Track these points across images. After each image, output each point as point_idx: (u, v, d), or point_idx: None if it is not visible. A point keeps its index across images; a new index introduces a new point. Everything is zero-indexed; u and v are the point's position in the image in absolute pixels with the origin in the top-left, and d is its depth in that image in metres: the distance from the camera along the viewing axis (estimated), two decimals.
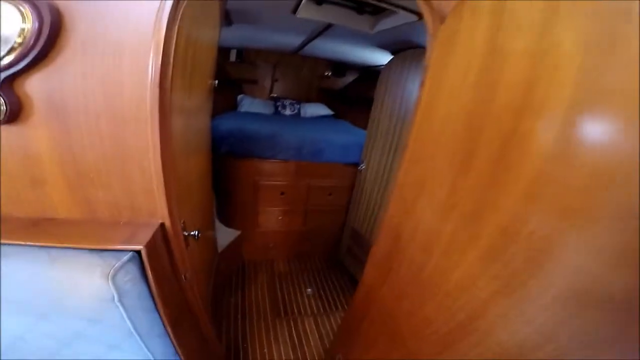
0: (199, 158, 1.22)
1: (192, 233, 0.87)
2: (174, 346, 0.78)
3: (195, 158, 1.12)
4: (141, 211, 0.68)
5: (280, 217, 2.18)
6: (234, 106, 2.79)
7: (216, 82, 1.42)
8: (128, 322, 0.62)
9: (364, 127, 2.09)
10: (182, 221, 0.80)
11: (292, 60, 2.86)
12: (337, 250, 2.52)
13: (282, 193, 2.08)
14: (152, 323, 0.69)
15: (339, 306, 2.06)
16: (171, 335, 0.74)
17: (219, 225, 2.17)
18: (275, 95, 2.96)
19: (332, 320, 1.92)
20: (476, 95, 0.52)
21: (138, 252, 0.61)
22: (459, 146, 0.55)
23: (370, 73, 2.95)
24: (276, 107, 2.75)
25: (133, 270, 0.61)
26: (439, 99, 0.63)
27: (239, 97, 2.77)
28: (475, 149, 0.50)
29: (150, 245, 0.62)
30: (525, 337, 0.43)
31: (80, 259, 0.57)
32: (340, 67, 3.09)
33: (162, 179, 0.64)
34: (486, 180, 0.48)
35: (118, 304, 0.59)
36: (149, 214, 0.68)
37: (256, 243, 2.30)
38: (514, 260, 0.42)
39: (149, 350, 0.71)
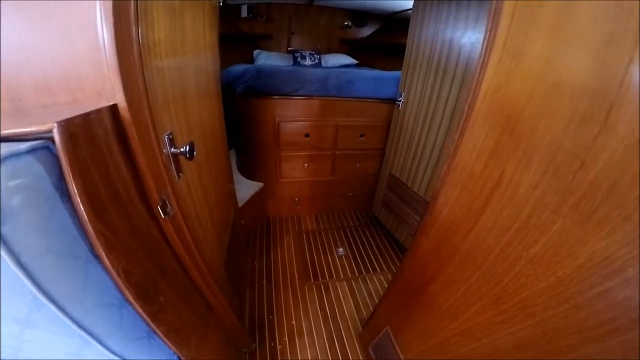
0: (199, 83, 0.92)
1: (181, 150, 0.60)
2: (146, 323, 0.48)
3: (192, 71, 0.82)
4: (82, 90, 0.42)
5: (305, 165, 1.94)
6: (249, 61, 2.58)
7: (221, 1, 1.20)
8: (21, 274, 0.32)
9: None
10: (168, 132, 0.57)
11: (308, 12, 2.71)
12: (371, 204, 2.26)
13: (307, 135, 1.83)
14: (82, 279, 0.37)
15: (376, 268, 1.80)
16: (135, 305, 0.46)
17: (240, 178, 1.97)
18: (293, 48, 2.72)
19: (368, 284, 1.68)
20: None
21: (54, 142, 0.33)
22: None
23: (395, 22, 2.65)
24: (295, 59, 2.51)
25: (35, 171, 0.32)
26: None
27: (255, 51, 2.56)
28: None
29: (72, 126, 0.34)
30: None
31: None
32: (361, 16, 2.85)
33: (112, 35, 0.38)
34: None
35: None
36: (96, 93, 0.42)
37: (281, 197, 2.09)
38: None
39: (87, 332, 0.39)
